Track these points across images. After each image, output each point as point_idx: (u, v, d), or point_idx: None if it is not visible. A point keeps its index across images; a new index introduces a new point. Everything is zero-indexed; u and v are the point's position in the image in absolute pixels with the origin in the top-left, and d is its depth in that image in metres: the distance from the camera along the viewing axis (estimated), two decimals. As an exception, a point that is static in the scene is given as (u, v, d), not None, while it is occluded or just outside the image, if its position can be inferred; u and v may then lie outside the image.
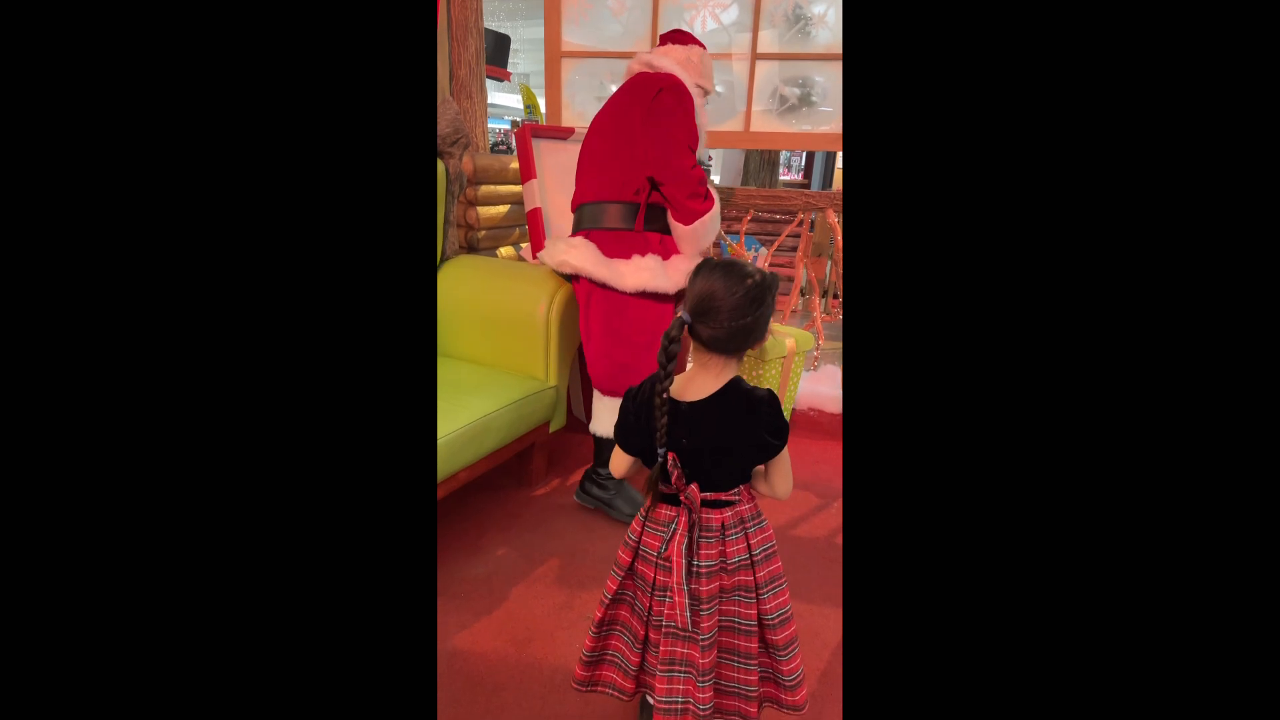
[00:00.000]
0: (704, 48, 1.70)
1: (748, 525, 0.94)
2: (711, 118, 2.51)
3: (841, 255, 2.91)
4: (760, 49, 2.41)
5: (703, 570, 0.91)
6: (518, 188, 2.36)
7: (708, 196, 1.60)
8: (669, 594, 0.90)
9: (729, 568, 0.92)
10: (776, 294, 0.90)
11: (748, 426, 0.88)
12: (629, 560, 0.97)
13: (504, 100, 9.99)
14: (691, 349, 0.92)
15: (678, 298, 1.63)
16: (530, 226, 2.04)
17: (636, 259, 1.59)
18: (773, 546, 0.96)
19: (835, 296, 3.66)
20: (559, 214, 2.02)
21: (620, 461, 0.98)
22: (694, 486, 0.89)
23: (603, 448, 1.75)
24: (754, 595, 0.93)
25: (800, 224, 2.84)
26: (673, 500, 0.92)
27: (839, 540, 1.73)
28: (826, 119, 2.45)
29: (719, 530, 0.92)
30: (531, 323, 1.79)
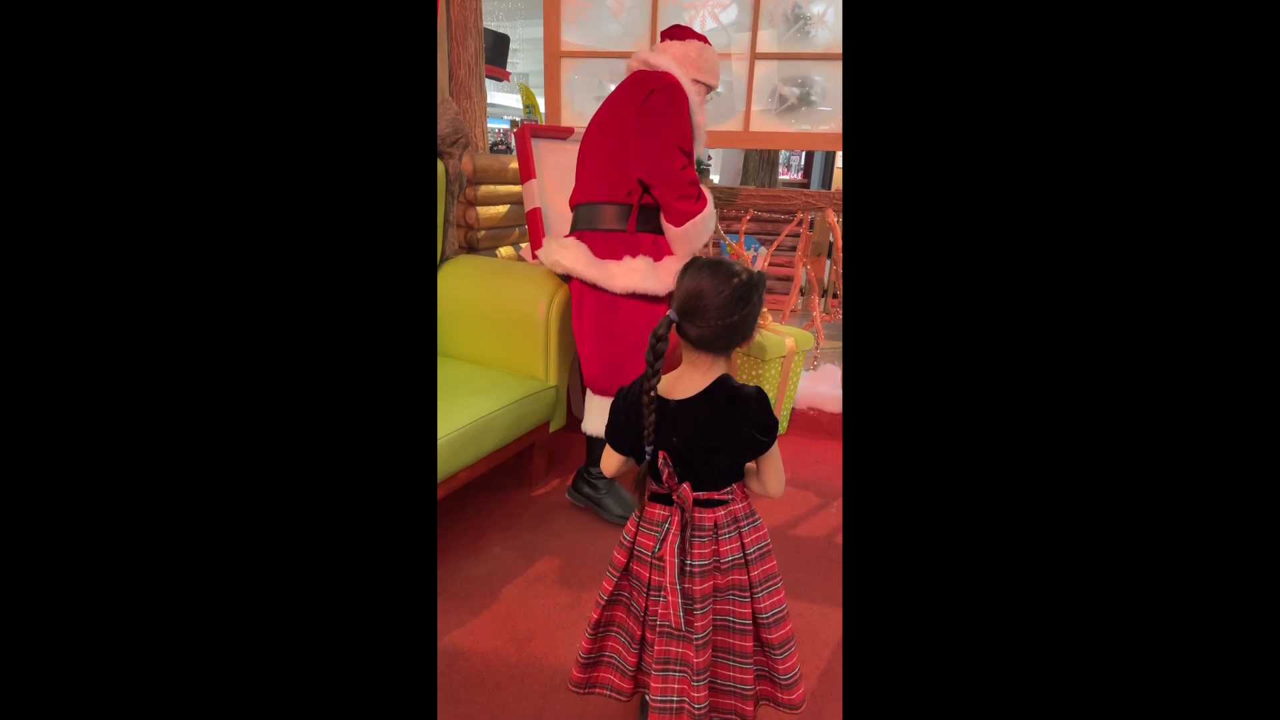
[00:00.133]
0: (704, 41, 1.68)
1: (741, 524, 0.94)
2: (711, 117, 2.51)
3: (840, 255, 2.91)
4: (759, 49, 2.41)
5: (695, 569, 0.91)
6: (517, 188, 2.36)
7: (699, 198, 1.59)
8: (663, 593, 0.90)
9: (722, 567, 0.92)
10: (764, 292, 0.91)
11: (735, 423, 0.88)
12: (624, 561, 0.97)
13: (503, 100, 9.99)
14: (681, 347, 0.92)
15: (670, 298, 1.63)
16: (530, 226, 2.04)
17: (627, 260, 1.59)
18: (767, 546, 0.96)
19: (834, 296, 3.66)
20: (558, 214, 2.02)
21: (611, 460, 0.99)
22: (686, 485, 0.89)
23: (594, 447, 1.75)
24: (748, 594, 0.94)
25: (800, 223, 2.84)
26: (666, 500, 0.92)
27: (839, 540, 1.73)
28: (826, 119, 2.46)
29: (711, 529, 0.92)
30: (531, 323, 1.79)
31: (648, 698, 0.96)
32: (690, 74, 1.63)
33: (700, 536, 0.91)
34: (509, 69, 7.11)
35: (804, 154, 7.43)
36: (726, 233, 2.97)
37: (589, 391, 1.70)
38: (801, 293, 3.36)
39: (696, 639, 0.90)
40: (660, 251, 1.63)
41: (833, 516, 1.85)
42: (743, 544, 0.93)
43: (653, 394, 0.86)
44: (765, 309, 2.42)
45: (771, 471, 0.94)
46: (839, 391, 2.44)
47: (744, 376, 2.30)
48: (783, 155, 6.64)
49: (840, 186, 5.84)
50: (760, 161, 5.39)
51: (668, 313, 0.87)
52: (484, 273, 1.95)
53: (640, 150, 1.54)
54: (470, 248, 2.27)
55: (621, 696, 1.01)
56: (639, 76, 1.60)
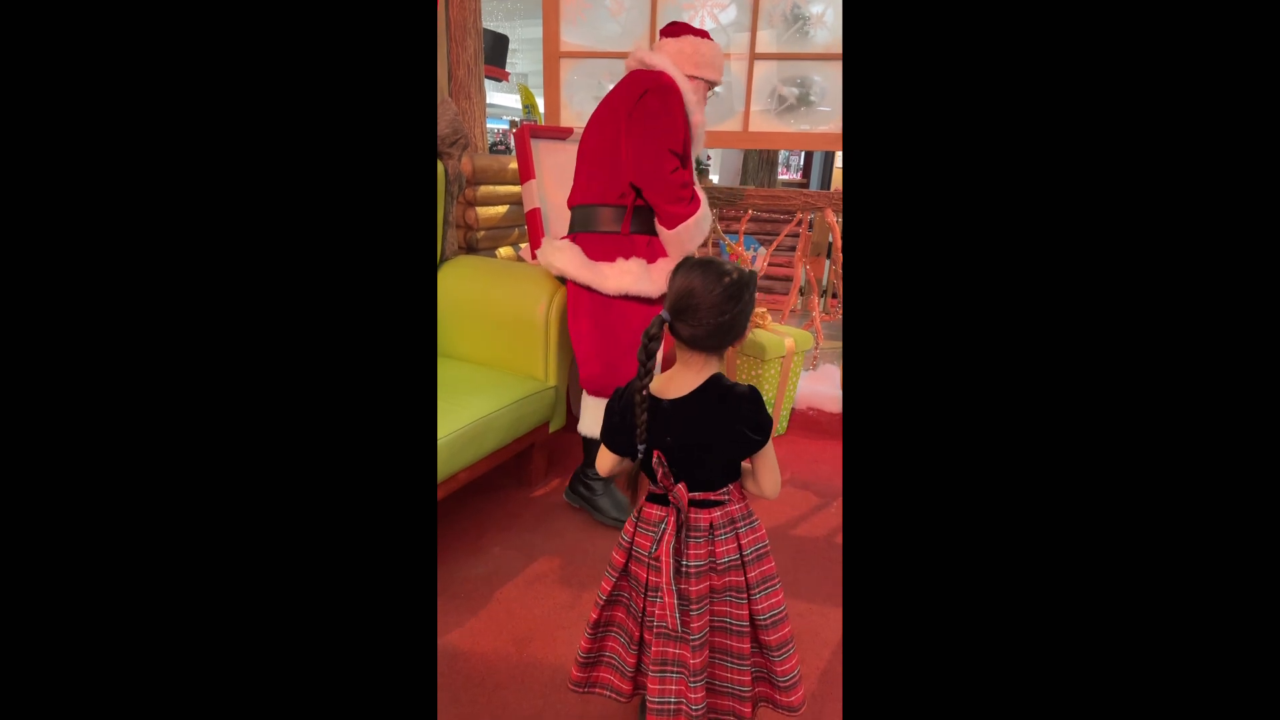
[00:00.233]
0: (702, 36, 1.64)
1: (738, 525, 0.93)
2: (710, 118, 2.51)
3: (839, 255, 2.92)
4: (758, 49, 2.41)
5: (691, 570, 0.91)
6: (516, 188, 2.36)
7: (692, 200, 1.57)
8: (659, 594, 0.90)
9: (718, 568, 0.92)
10: (755, 290, 0.91)
11: (728, 422, 0.88)
12: (623, 561, 0.97)
13: (502, 100, 9.99)
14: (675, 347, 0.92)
15: (664, 299, 1.63)
16: (529, 227, 2.04)
17: (620, 262, 1.59)
18: (765, 547, 0.96)
19: (833, 296, 3.67)
20: (558, 214, 2.02)
21: (605, 460, 0.99)
22: (681, 486, 0.89)
23: (591, 448, 1.75)
24: (745, 596, 0.93)
25: (799, 224, 2.84)
26: (663, 500, 0.92)
27: (838, 540, 1.73)
28: (825, 119, 2.46)
29: (707, 530, 0.92)
30: (531, 323, 1.79)
31: (645, 699, 0.96)
32: (687, 70, 1.61)
33: (696, 537, 0.91)
34: (508, 69, 7.11)
35: (803, 154, 7.43)
36: (726, 233, 2.97)
37: (585, 393, 1.70)
38: (801, 293, 3.36)
39: (693, 640, 0.90)
40: (655, 253, 1.62)
41: (832, 516, 1.85)
42: (740, 545, 0.93)
43: (645, 393, 0.87)
44: (765, 309, 2.42)
45: (766, 471, 0.94)
46: (838, 391, 2.44)
47: (744, 376, 2.30)
48: (782, 155, 6.64)
49: (839, 186, 5.84)
50: (759, 162, 5.39)
51: (660, 313, 0.88)
52: (483, 273, 1.95)
53: (631, 153, 1.53)
54: (470, 248, 2.27)
55: (621, 698, 1.01)
56: (633, 77, 1.60)
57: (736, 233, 2.88)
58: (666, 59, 1.60)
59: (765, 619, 0.94)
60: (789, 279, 3.34)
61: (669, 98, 1.54)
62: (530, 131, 2.07)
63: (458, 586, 1.49)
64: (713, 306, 0.85)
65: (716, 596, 0.93)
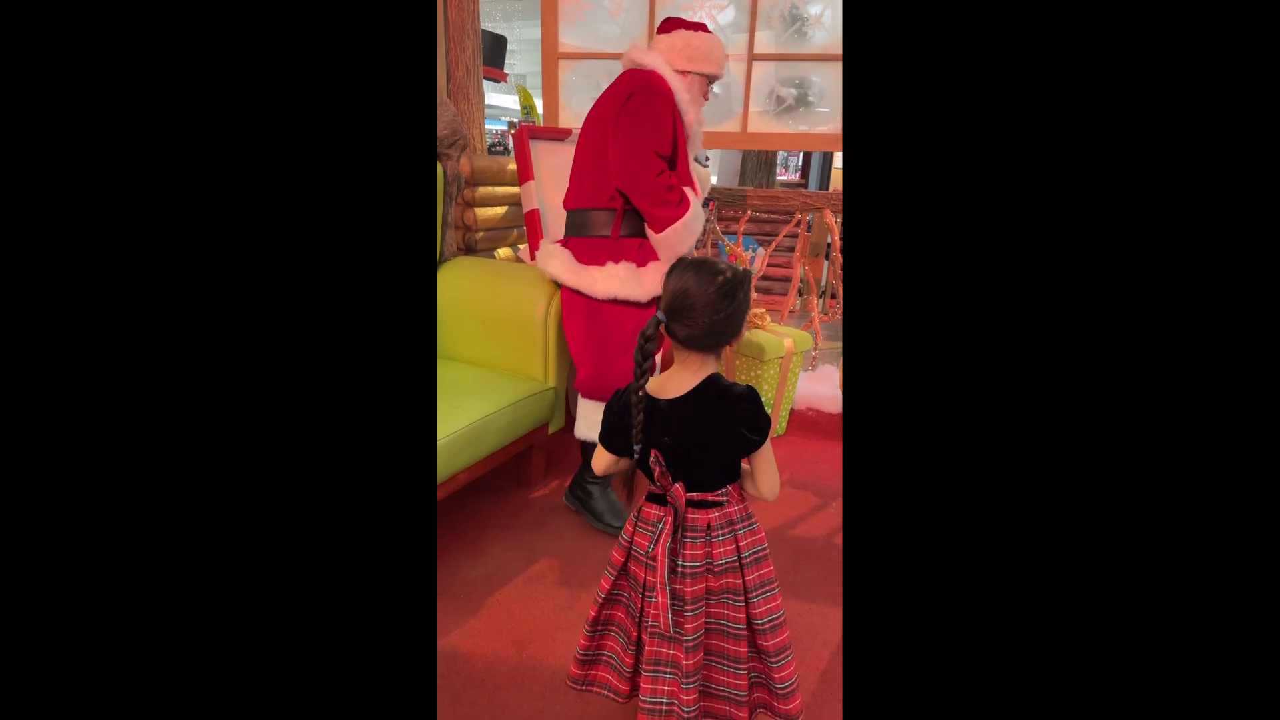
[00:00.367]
0: (696, 29, 1.60)
1: (737, 527, 0.93)
2: (709, 119, 2.52)
3: (838, 255, 2.92)
4: (757, 50, 2.42)
5: (687, 570, 0.91)
6: (515, 189, 2.36)
7: (681, 202, 1.54)
8: (654, 593, 0.90)
9: (715, 569, 0.92)
10: (750, 289, 0.91)
11: (725, 422, 0.88)
12: (622, 560, 0.98)
13: (501, 101, 9.99)
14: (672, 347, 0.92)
15: (654, 303, 1.61)
16: (528, 228, 2.04)
17: (609, 266, 1.58)
18: (763, 550, 0.95)
19: (832, 297, 3.67)
20: (556, 215, 2.02)
21: (601, 459, 0.99)
22: (678, 485, 0.89)
23: (588, 451, 1.74)
24: (742, 599, 0.93)
25: (797, 224, 2.84)
26: (662, 500, 0.93)
27: (838, 540, 1.73)
28: (823, 119, 2.46)
29: (704, 531, 0.92)
30: (530, 324, 1.79)
31: (637, 698, 0.96)
32: (679, 65, 1.58)
33: (693, 538, 0.91)
34: (507, 70, 7.11)
35: (801, 155, 7.44)
36: (725, 233, 2.97)
37: (579, 396, 1.70)
38: (799, 293, 3.36)
39: (686, 641, 0.90)
40: (646, 256, 1.61)
41: (831, 517, 1.86)
42: (738, 547, 0.93)
43: (641, 394, 0.87)
44: (764, 310, 2.43)
45: (764, 471, 0.94)
46: (837, 392, 2.45)
47: (743, 377, 2.30)
48: (780, 156, 6.65)
49: (837, 187, 5.84)
50: (758, 162, 5.39)
51: (656, 313, 0.88)
52: (482, 274, 1.94)
53: (616, 158, 1.52)
54: (468, 249, 2.27)
55: (619, 698, 1.01)
56: (623, 78, 1.58)
57: (735, 233, 2.88)
58: (659, 57, 1.58)
59: (763, 623, 0.93)
60: (788, 279, 3.34)
61: (656, 99, 1.51)
62: (529, 133, 2.07)
63: (457, 587, 1.48)
64: (707, 306, 0.85)
65: (713, 598, 0.93)
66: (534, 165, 2.03)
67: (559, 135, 2.17)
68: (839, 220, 2.69)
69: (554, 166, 2.08)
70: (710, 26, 2.40)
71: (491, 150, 6.93)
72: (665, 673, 0.92)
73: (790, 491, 1.98)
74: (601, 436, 0.98)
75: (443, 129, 1.93)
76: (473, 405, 1.57)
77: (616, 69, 1.89)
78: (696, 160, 1.76)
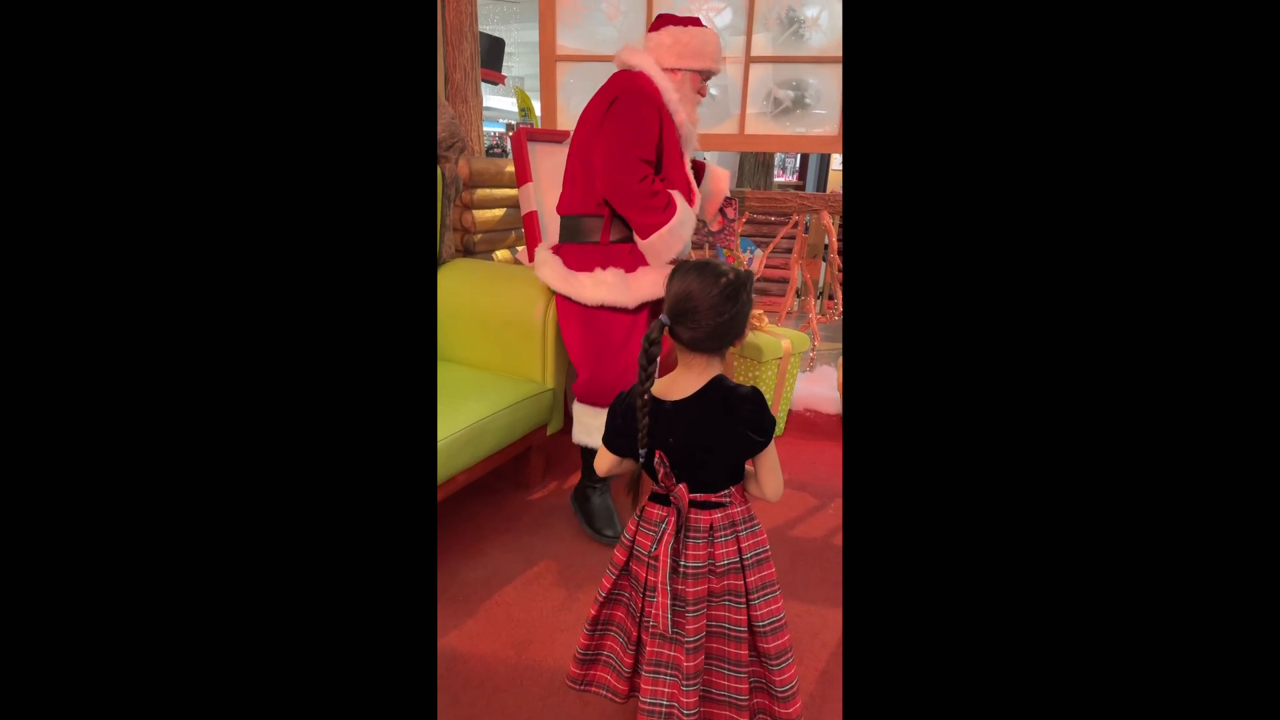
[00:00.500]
0: (685, 24, 1.55)
1: (739, 528, 0.93)
2: (706, 120, 2.52)
3: (836, 256, 2.92)
4: (754, 52, 2.42)
5: (689, 571, 0.91)
6: (513, 191, 2.36)
7: (667, 207, 1.50)
8: (655, 593, 0.91)
9: (717, 570, 0.92)
10: (753, 290, 0.92)
11: (730, 424, 0.88)
12: (623, 559, 0.98)
13: (499, 103, 10.00)
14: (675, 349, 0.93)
15: (640, 309, 1.59)
16: (526, 230, 2.05)
17: (597, 272, 1.57)
18: (765, 552, 0.95)
19: (830, 298, 3.68)
20: (554, 217, 2.02)
21: (604, 460, 0.99)
22: (682, 486, 0.90)
23: (588, 456, 1.73)
24: (744, 600, 0.93)
25: (795, 226, 2.85)
26: (665, 501, 0.93)
27: (837, 540, 1.74)
28: (821, 121, 2.47)
29: (707, 532, 0.92)
30: (528, 325, 1.79)
31: (636, 699, 0.96)
32: (669, 63, 1.54)
33: (695, 538, 0.92)
34: (504, 72, 7.12)
35: (798, 156, 7.45)
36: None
37: (575, 401, 1.70)
38: (797, 294, 3.37)
39: (687, 642, 0.90)
40: (636, 262, 1.58)
41: (830, 517, 1.86)
42: (740, 548, 0.93)
43: (646, 397, 0.87)
44: (761, 311, 2.43)
45: (768, 472, 0.94)
46: (835, 393, 2.45)
47: (740, 378, 2.30)
48: (778, 158, 6.66)
49: (835, 188, 5.85)
50: (755, 164, 5.40)
51: (660, 316, 0.88)
52: (480, 276, 1.95)
53: (599, 166, 1.50)
54: (466, 251, 2.27)
55: (617, 698, 1.02)
56: (610, 81, 1.56)
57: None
58: (648, 57, 1.54)
59: (764, 625, 0.93)
60: (785, 281, 3.34)
61: (641, 103, 1.48)
62: (527, 135, 2.08)
63: (456, 589, 1.48)
64: (711, 308, 0.86)
65: (715, 600, 0.93)
66: (532, 167, 2.04)
67: (557, 137, 2.18)
68: (836, 222, 2.70)
69: (552, 169, 2.08)
70: (707, 28, 2.41)
71: (489, 152, 6.94)
72: (666, 674, 0.92)
73: (788, 492, 1.98)
74: (605, 438, 0.98)
75: (441, 131, 1.93)
76: (471, 407, 1.57)
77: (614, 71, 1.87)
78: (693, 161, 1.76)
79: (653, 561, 0.92)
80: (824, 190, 6.61)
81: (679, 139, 1.57)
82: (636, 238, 1.56)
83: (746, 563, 0.93)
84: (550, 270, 1.63)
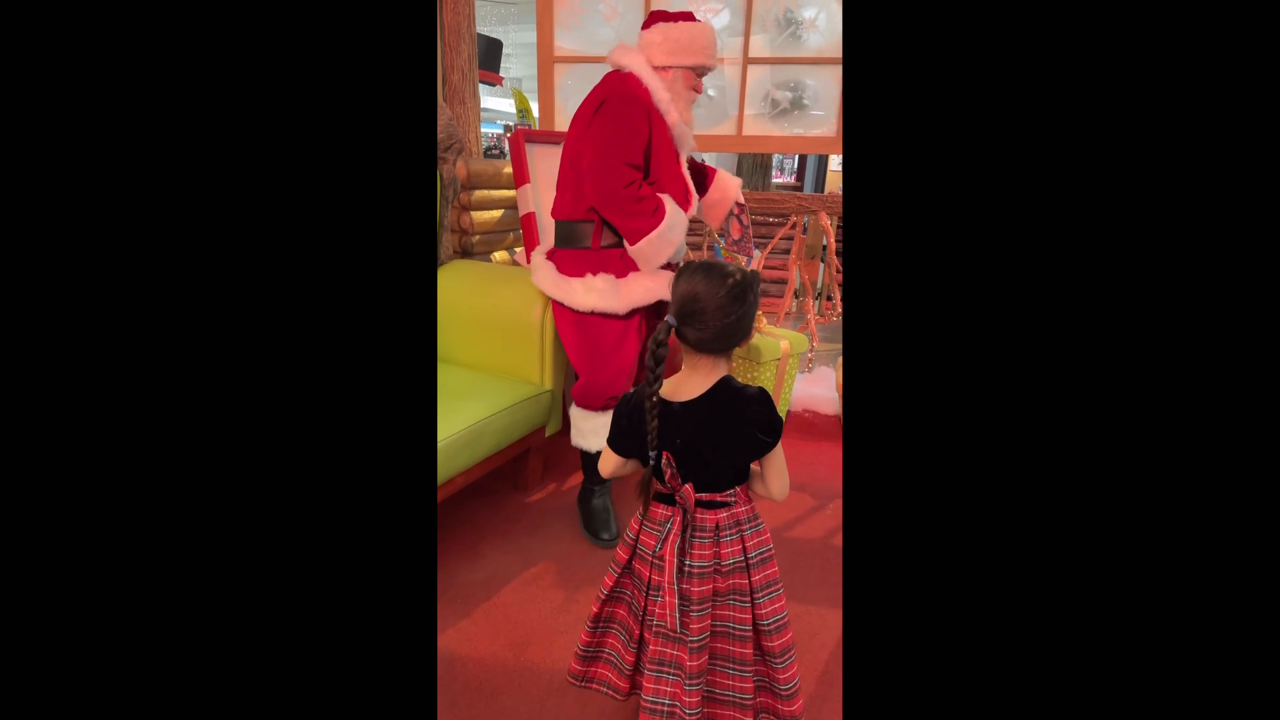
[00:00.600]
0: (676, 20, 1.50)
1: (744, 528, 0.94)
2: (704, 122, 2.53)
3: (834, 257, 2.93)
4: (752, 53, 2.43)
5: (695, 570, 0.91)
6: (511, 192, 2.36)
7: (656, 211, 1.47)
8: (661, 593, 0.91)
9: (723, 569, 0.92)
10: (759, 290, 0.92)
11: (738, 424, 0.89)
12: (626, 558, 0.98)
13: (497, 105, 10.01)
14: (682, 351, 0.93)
15: (632, 315, 1.59)
16: (524, 231, 2.05)
17: (588, 278, 1.56)
18: (769, 550, 0.96)
19: (828, 298, 3.68)
20: (551, 220, 2.03)
21: (609, 462, 0.99)
22: (688, 486, 0.89)
23: (588, 460, 1.73)
24: (748, 599, 0.93)
25: (793, 226, 2.85)
26: (670, 500, 0.93)
27: (836, 541, 1.74)
28: (818, 122, 2.47)
29: (713, 531, 0.92)
30: (526, 327, 1.79)
31: (639, 697, 0.96)
32: (659, 61, 1.50)
33: (701, 538, 0.92)
34: (502, 74, 7.12)
35: (796, 157, 7.46)
36: (720, 235, 2.97)
37: (572, 404, 1.69)
38: (795, 295, 3.37)
39: (692, 641, 0.90)
40: (628, 267, 1.57)
41: (829, 518, 1.86)
42: (745, 548, 0.93)
43: (655, 398, 0.87)
44: (760, 311, 2.43)
45: (775, 473, 0.94)
46: (834, 394, 2.45)
47: (739, 379, 2.30)
48: (775, 159, 6.67)
49: (833, 189, 5.86)
50: (753, 165, 5.41)
51: (667, 317, 0.88)
52: (478, 277, 1.95)
53: (586, 172, 1.48)
54: (465, 252, 2.27)
55: (618, 695, 1.02)
56: (600, 83, 1.54)
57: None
58: (638, 56, 1.52)
59: (768, 624, 0.94)
60: (783, 282, 3.35)
61: (628, 106, 1.45)
62: (525, 136, 2.08)
63: (455, 590, 1.48)
64: (718, 309, 0.86)
65: (719, 600, 0.93)
66: (530, 169, 2.04)
67: (555, 139, 2.18)
68: (834, 223, 2.70)
69: (550, 170, 2.08)
70: (705, 29, 2.41)
71: (487, 154, 6.94)
72: (669, 673, 0.92)
73: (788, 493, 1.98)
74: (610, 440, 0.98)
75: (439, 133, 1.93)
76: (469, 408, 1.57)
77: (613, 73, 1.87)
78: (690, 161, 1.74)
79: (658, 561, 0.92)
80: (822, 191, 6.62)
81: (672, 140, 1.54)
82: (625, 243, 1.54)
83: (751, 561, 0.93)
84: (544, 275, 1.63)
